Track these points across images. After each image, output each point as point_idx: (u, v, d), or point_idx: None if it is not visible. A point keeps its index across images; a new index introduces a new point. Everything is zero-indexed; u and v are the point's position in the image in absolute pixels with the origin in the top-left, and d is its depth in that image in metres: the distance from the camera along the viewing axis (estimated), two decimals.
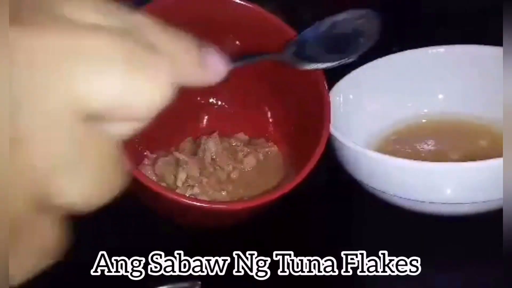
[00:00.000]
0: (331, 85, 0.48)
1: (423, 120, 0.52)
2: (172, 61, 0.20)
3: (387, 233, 0.43)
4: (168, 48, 0.20)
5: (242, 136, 0.50)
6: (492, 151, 0.45)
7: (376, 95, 0.51)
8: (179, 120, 0.50)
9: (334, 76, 0.49)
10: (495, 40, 0.44)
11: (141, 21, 0.20)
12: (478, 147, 0.47)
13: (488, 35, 0.47)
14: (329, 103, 0.43)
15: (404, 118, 0.51)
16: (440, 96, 0.52)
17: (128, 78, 0.18)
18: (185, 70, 0.22)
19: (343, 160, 0.43)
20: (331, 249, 0.42)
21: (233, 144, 0.49)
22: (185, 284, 0.36)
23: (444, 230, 0.41)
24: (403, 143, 0.49)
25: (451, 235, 0.41)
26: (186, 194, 0.44)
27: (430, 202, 0.39)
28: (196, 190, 0.44)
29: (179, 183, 0.44)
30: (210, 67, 0.23)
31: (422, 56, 0.51)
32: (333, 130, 0.42)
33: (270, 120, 0.51)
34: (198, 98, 0.51)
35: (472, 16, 0.68)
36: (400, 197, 0.40)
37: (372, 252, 0.40)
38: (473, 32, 0.59)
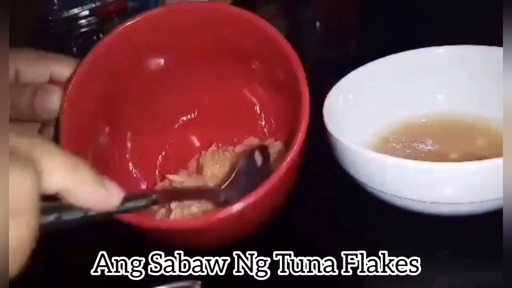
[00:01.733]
0: (331, 85, 0.48)
1: (423, 120, 0.52)
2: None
3: (387, 233, 0.43)
4: (61, 170, 0.27)
5: (252, 140, 0.50)
6: (491, 151, 0.45)
7: (375, 95, 0.51)
8: (184, 144, 0.51)
9: (334, 76, 0.49)
10: (495, 40, 0.44)
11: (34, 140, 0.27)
12: (477, 147, 0.47)
13: (488, 35, 0.47)
14: (307, 102, 0.39)
15: (403, 118, 0.51)
16: (440, 96, 0.52)
17: None
18: (87, 191, 0.28)
19: (342, 160, 0.43)
20: (331, 249, 0.42)
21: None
22: (185, 284, 0.36)
23: (444, 230, 0.41)
24: (402, 143, 0.49)
25: (451, 235, 0.41)
26: (182, 215, 0.43)
27: (429, 202, 0.39)
28: (194, 209, 0.43)
29: (173, 206, 0.44)
30: (110, 191, 0.30)
31: (422, 56, 0.51)
32: (332, 129, 0.42)
33: (263, 120, 0.50)
34: (183, 118, 0.51)
35: (472, 16, 0.68)
36: (399, 197, 0.40)
37: (372, 252, 0.40)
38: (473, 32, 0.59)
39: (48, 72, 0.44)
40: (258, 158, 0.43)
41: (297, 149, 0.37)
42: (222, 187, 0.41)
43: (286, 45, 0.40)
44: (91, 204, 0.29)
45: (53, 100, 0.41)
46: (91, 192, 0.28)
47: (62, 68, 0.43)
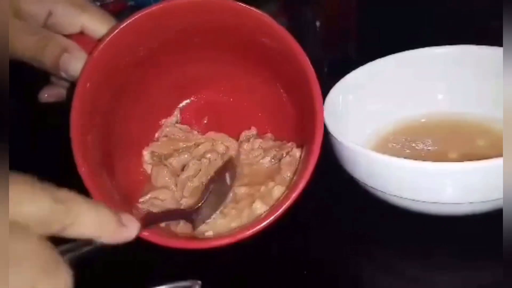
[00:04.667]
0: (331, 85, 0.48)
1: (422, 120, 0.52)
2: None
3: (387, 233, 0.43)
4: (89, 218, 0.28)
5: (268, 136, 0.50)
6: (491, 151, 0.45)
7: (375, 95, 0.51)
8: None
9: (334, 76, 0.49)
10: (495, 40, 0.44)
11: (67, 196, 0.27)
12: (477, 147, 0.47)
13: (488, 35, 0.48)
14: (322, 113, 0.40)
15: (403, 117, 0.51)
16: (440, 96, 0.52)
17: (37, 280, 0.24)
18: (108, 233, 0.29)
19: (342, 160, 0.43)
20: (331, 248, 0.42)
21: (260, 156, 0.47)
22: (185, 284, 0.36)
23: (444, 230, 0.41)
24: (402, 143, 0.49)
25: (451, 235, 0.41)
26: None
27: (429, 202, 0.39)
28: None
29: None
30: (127, 226, 0.30)
31: (422, 56, 0.51)
32: (332, 129, 0.42)
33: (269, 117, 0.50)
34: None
35: (472, 16, 0.68)
36: (400, 197, 0.40)
37: (372, 252, 0.40)
38: (473, 32, 0.59)
39: (79, 25, 0.42)
40: (227, 176, 0.45)
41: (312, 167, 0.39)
42: (197, 206, 0.42)
43: (297, 47, 0.41)
44: (112, 241, 0.30)
45: (77, 67, 0.40)
46: (113, 233, 0.29)
47: (96, 25, 0.42)
